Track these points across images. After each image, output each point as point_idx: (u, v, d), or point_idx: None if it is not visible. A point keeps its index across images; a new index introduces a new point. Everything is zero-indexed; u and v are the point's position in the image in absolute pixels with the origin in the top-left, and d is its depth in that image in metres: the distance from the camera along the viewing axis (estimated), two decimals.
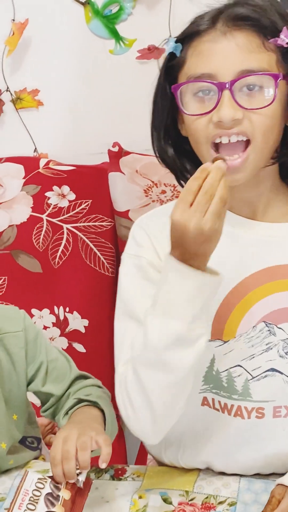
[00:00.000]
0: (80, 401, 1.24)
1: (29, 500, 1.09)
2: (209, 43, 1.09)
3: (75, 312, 1.82)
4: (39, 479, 1.11)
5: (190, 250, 1.05)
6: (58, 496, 1.09)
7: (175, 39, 1.14)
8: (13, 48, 1.82)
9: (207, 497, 1.19)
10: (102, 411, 1.23)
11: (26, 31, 1.81)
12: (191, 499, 1.19)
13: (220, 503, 1.18)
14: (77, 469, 1.10)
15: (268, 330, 1.18)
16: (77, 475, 1.10)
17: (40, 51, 1.86)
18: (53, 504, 1.08)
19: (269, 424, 1.19)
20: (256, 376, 1.18)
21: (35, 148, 1.90)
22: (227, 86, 1.08)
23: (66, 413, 1.24)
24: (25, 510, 1.07)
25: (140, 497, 1.21)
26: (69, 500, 1.09)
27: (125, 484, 1.24)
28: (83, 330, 1.84)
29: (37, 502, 1.09)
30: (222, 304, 1.17)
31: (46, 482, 1.10)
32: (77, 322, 1.82)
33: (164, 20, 1.78)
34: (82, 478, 1.10)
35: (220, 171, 1.03)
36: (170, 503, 1.19)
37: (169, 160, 1.21)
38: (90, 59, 1.86)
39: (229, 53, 1.09)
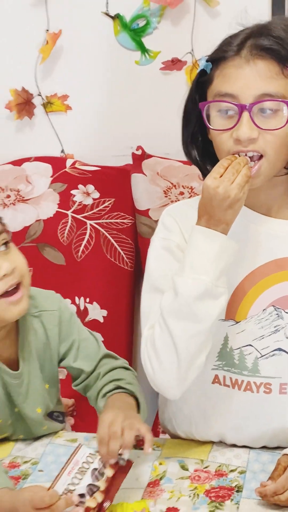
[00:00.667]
0: (118, 387, 1.35)
1: (78, 469, 1.20)
2: (234, 68, 1.23)
3: (94, 303, 1.91)
4: (90, 453, 1.23)
5: (215, 215, 1.22)
6: (103, 473, 1.20)
7: (207, 57, 1.28)
8: (46, 56, 1.90)
9: (220, 466, 1.32)
10: (136, 399, 1.35)
11: (58, 41, 1.89)
12: (206, 467, 1.32)
13: (232, 471, 1.31)
14: (120, 449, 1.21)
15: (277, 314, 1.32)
16: (120, 455, 1.21)
17: (70, 60, 1.94)
18: (97, 479, 1.19)
19: (276, 400, 1.32)
20: (265, 355, 1.32)
21: (62, 149, 1.98)
22: (246, 107, 1.22)
23: (104, 395, 1.35)
24: (73, 477, 1.19)
25: (160, 464, 1.34)
26: (111, 477, 1.20)
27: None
28: (102, 320, 1.93)
29: (84, 473, 1.20)
30: (236, 288, 1.31)
31: (95, 458, 1.21)
32: (96, 312, 1.91)
33: (187, 35, 1.88)
34: (125, 457, 1.20)
35: (245, 159, 1.22)
36: (187, 469, 1.32)
37: (193, 161, 1.36)
38: (117, 69, 1.94)
39: (250, 78, 1.22)
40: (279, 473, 1.21)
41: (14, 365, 1.36)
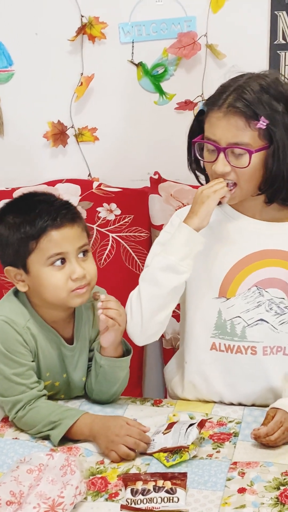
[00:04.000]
0: None
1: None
2: (216, 119, 1.59)
3: None
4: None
5: (192, 208, 1.60)
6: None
7: (204, 102, 1.65)
8: (80, 95, 2.09)
9: (220, 418, 1.63)
10: None
11: (91, 83, 2.08)
12: (209, 418, 1.64)
13: (230, 421, 1.62)
14: None
15: (259, 292, 1.67)
16: None
17: (100, 99, 2.12)
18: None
19: (261, 361, 1.65)
20: (250, 324, 1.66)
21: (89, 173, 2.19)
22: (222, 150, 1.58)
23: None
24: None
25: (173, 415, 1.64)
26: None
27: (162, 409, 1.67)
28: None
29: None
30: (228, 272, 1.66)
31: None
32: None
33: (198, 81, 2.08)
34: None
35: (224, 182, 1.60)
36: (194, 419, 1.63)
37: (195, 174, 1.73)
38: (139, 107, 2.13)
39: (225, 129, 1.58)
40: (268, 420, 1.52)
41: (70, 341, 1.66)
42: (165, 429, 1.53)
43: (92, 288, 1.61)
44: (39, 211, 1.56)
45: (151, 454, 1.49)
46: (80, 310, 1.68)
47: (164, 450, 1.47)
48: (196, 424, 1.50)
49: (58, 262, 1.55)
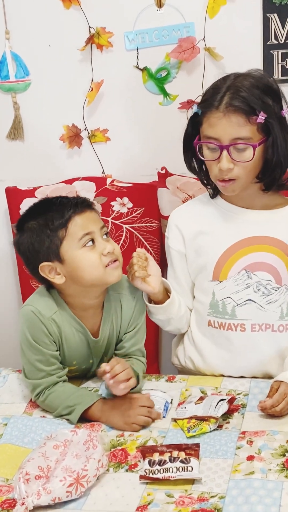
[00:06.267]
0: None
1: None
2: (215, 119, 1.54)
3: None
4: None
5: None
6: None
7: (197, 105, 1.60)
8: (91, 99, 2.06)
9: (229, 391, 1.60)
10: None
11: (101, 88, 2.04)
12: (219, 392, 1.61)
13: (238, 394, 1.59)
14: None
15: (247, 275, 1.64)
16: None
17: (110, 102, 2.09)
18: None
19: (250, 337, 1.63)
20: (239, 304, 1.63)
21: (103, 171, 2.16)
22: (225, 148, 1.53)
23: None
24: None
25: (186, 390, 1.62)
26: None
27: (175, 384, 1.65)
28: None
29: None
30: (221, 256, 1.64)
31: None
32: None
33: (198, 82, 2.02)
34: None
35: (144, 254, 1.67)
36: (205, 393, 1.60)
37: (192, 170, 1.70)
38: (145, 109, 2.09)
39: (226, 127, 1.54)
40: (273, 392, 1.50)
41: (96, 334, 1.62)
42: (197, 400, 1.51)
43: (121, 265, 1.59)
44: (59, 205, 1.56)
45: (181, 419, 1.48)
46: (109, 302, 1.64)
47: (195, 418, 1.46)
48: (227, 400, 1.48)
49: (90, 243, 1.54)
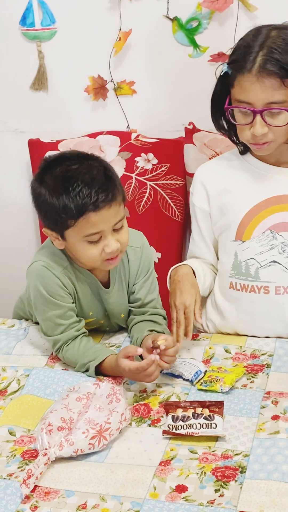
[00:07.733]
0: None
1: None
2: (248, 83, 1.50)
3: (151, 247, 1.98)
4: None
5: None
6: None
7: (227, 65, 1.55)
8: (119, 50, 2.01)
9: (254, 350, 1.59)
10: None
11: (129, 38, 2.00)
12: (243, 351, 1.60)
13: (263, 354, 1.57)
14: None
15: (272, 236, 1.61)
16: None
17: (137, 53, 2.04)
18: None
19: (273, 300, 1.60)
20: (264, 265, 1.60)
21: (128, 125, 2.12)
22: (258, 112, 1.49)
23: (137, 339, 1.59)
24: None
25: (210, 348, 1.61)
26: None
27: (199, 342, 1.63)
28: (157, 261, 2.12)
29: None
30: (245, 215, 1.61)
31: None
32: (152, 254, 2.04)
33: (231, 34, 1.98)
34: None
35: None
36: (229, 352, 1.59)
37: (220, 128, 1.67)
38: (174, 61, 2.04)
39: (259, 91, 1.49)
40: None
41: (107, 284, 1.62)
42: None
43: (123, 252, 1.56)
44: (79, 191, 1.44)
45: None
46: None
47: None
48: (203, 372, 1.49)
49: (95, 237, 1.49)
